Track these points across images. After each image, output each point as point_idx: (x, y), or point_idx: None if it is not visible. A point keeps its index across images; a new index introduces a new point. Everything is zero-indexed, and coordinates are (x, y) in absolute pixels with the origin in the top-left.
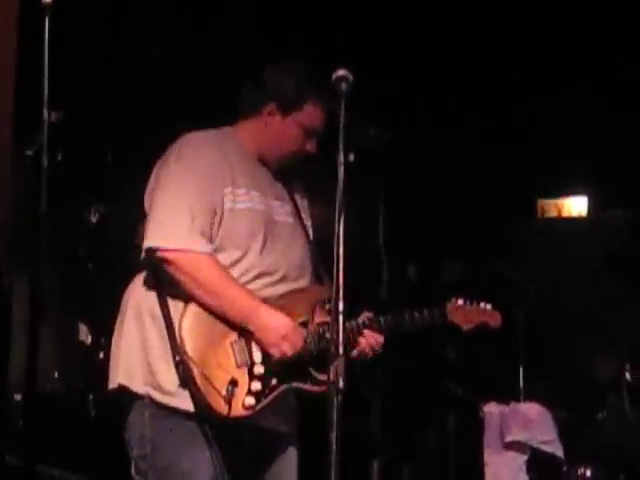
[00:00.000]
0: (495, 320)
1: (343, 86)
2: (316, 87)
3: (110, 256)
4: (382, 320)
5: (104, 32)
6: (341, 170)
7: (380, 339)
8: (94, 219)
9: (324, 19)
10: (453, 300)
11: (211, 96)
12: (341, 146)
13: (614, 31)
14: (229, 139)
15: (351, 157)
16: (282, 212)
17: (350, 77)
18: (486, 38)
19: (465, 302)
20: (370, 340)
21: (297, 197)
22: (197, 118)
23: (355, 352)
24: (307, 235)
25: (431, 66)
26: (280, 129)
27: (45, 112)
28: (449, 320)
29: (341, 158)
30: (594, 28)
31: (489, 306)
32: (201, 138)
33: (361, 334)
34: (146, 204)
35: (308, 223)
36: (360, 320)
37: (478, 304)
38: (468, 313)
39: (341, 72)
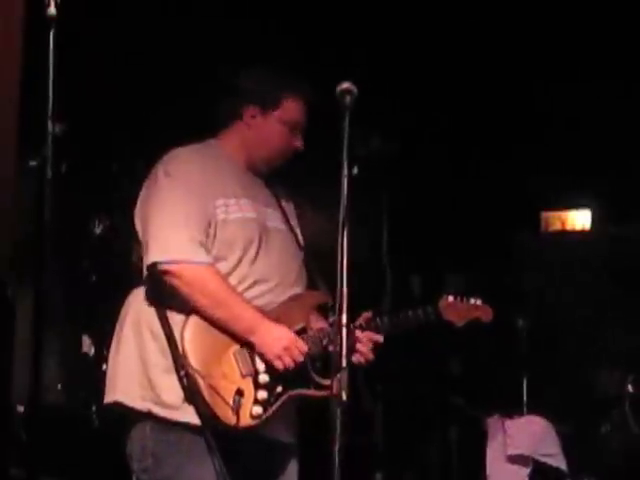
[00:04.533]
0: (487, 314)
1: (347, 99)
2: (291, 81)
3: (114, 268)
4: (378, 321)
5: (109, 44)
6: (344, 182)
7: (379, 338)
8: (98, 231)
9: (330, 32)
10: (444, 297)
11: (215, 108)
12: (345, 158)
13: (624, 44)
14: (215, 151)
15: (355, 170)
16: (274, 218)
17: (354, 90)
18: (493, 52)
19: (455, 298)
20: (366, 342)
21: (284, 204)
22: (201, 131)
23: (354, 358)
24: (298, 241)
25: (436, 78)
26: (264, 129)
27: (49, 124)
28: (443, 318)
29: (345, 170)
30: (604, 41)
31: (479, 301)
32: (187, 152)
33: (356, 337)
34: (137, 224)
35: (297, 230)
36: (357, 322)
37: (468, 300)
38: (460, 309)
39: (345, 85)
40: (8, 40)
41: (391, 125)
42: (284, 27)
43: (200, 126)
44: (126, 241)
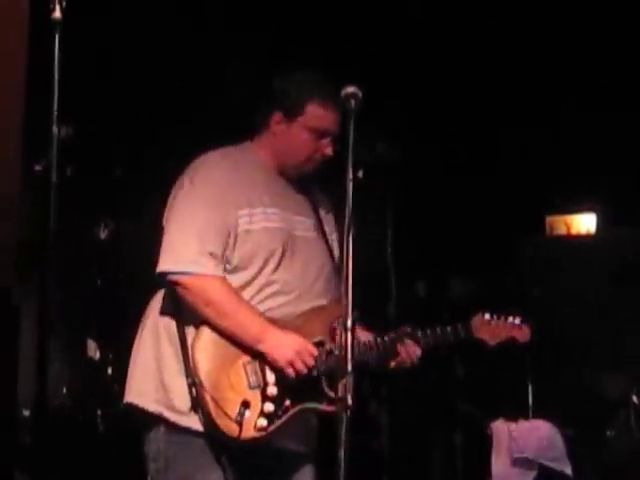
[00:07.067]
0: (524, 335)
1: (352, 103)
2: (317, 87)
3: (119, 272)
4: (413, 334)
5: (114, 47)
6: (349, 186)
7: (418, 351)
8: (103, 235)
9: (335, 36)
10: (479, 315)
11: (221, 112)
12: (349, 162)
13: (625, 49)
14: (248, 155)
15: (360, 173)
16: (303, 227)
17: (359, 94)
18: (495, 56)
19: (492, 316)
20: (409, 349)
21: (322, 211)
22: (206, 134)
23: (393, 363)
24: (330, 250)
25: (440, 83)
26: (289, 136)
27: (55, 128)
28: (474, 336)
29: (349, 175)
30: (605, 47)
31: (518, 320)
32: (216, 159)
33: (400, 344)
34: (164, 222)
35: (332, 237)
36: (400, 331)
37: (506, 318)
38: (495, 328)
39: (350, 89)
40: (14, 43)
41: (396, 129)
42: (289, 31)
43: (206, 131)
44: (131, 245)
